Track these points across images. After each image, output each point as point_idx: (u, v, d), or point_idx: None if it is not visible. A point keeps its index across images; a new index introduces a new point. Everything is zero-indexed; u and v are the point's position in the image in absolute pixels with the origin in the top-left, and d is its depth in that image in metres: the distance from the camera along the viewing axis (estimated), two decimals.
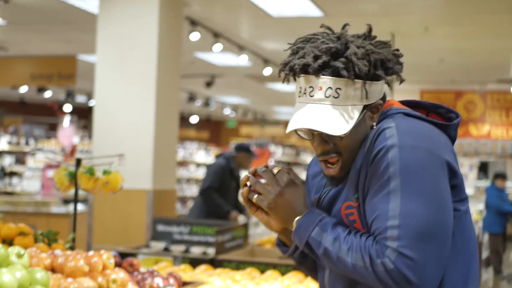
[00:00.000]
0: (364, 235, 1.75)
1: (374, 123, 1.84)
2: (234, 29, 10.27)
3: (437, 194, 1.71)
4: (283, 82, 1.91)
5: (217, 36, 10.04)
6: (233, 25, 10.12)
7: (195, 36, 9.41)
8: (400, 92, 15.88)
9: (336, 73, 1.77)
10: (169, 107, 7.32)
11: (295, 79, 1.86)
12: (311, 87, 1.79)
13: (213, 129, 26.07)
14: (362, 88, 1.79)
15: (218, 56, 12.27)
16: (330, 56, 1.78)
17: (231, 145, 7.76)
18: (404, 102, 1.93)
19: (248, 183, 1.88)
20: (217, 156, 8.11)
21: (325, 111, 1.77)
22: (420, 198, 1.69)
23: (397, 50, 1.88)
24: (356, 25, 2.00)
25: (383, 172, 1.72)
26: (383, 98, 1.87)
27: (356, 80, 1.77)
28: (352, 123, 1.78)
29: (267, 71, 12.39)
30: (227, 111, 21.37)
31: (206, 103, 18.67)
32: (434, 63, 12.41)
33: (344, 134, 1.77)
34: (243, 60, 11.37)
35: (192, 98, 17.60)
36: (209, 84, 14.50)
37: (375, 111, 1.84)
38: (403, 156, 1.71)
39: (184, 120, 22.03)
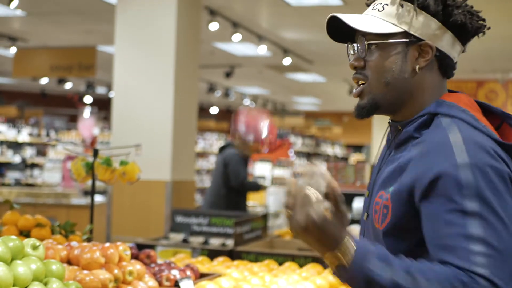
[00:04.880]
0: (433, 262, 1.54)
1: (417, 66, 1.73)
2: (253, 18, 10.22)
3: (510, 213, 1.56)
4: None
5: (236, 26, 10.00)
6: (252, 15, 10.07)
7: (214, 26, 9.38)
8: None
9: None
10: (188, 97, 7.29)
11: None
12: (367, 4, 1.83)
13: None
14: (409, 12, 1.72)
15: (238, 46, 12.23)
16: None
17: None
18: (477, 103, 1.79)
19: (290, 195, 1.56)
20: (226, 147, 8.08)
21: (362, 16, 1.76)
22: (500, 220, 1.53)
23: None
24: None
25: (456, 192, 1.54)
26: (441, 52, 1.75)
27: (405, 1, 1.72)
28: (383, 29, 1.72)
29: (287, 61, 12.32)
30: (246, 102, 21.34)
31: (226, 94, 18.64)
32: None
33: (379, 38, 1.72)
34: (262, 50, 11.31)
35: (211, 88, 17.58)
36: (228, 75, 14.46)
37: (423, 54, 1.73)
38: (477, 176, 1.55)
39: (204, 111, 22.03)
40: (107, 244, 2.82)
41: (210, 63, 14.01)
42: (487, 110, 1.78)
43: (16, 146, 16.73)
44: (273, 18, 10.44)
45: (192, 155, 7.50)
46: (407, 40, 1.72)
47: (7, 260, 2.15)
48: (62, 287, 2.29)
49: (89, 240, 3.37)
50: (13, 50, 11.90)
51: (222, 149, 8.10)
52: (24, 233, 3.19)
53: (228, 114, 25.29)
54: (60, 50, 11.73)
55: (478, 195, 1.53)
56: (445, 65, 1.77)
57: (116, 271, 2.69)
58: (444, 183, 1.56)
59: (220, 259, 4.08)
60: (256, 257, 4.38)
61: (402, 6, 1.72)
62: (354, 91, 1.79)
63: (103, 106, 20.84)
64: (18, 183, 16.02)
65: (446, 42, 1.75)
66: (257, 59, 13.89)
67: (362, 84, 1.76)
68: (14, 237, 2.27)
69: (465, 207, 1.53)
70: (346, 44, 1.82)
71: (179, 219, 5.49)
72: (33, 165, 16.95)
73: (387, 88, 1.73)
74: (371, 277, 1.52)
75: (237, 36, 10.11)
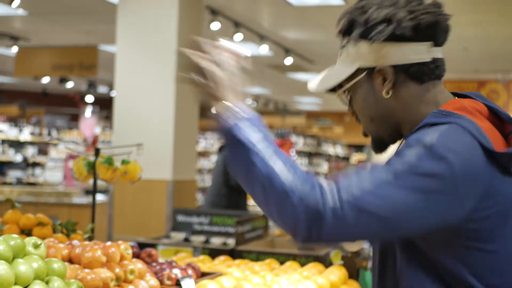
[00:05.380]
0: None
1: (385, 91, 1.70)
2: (255, 18, 10.23)
3: (425, 204, 1.51)
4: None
5: (237, 25, 10.01)
6: (253, 15, 10.08)
7: (215, 25, 9.39)
8: None
9: (341, 33, 1.77)
10: (189, 96, 7.30)
11: None
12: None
13: None
14: (358, 46, 1.70)
15: (239, 45, 12.23)
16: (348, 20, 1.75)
17: None
18: (488, 107, 1.72)
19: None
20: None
21: (326, 71, 1.80)
22: (407, 196, 1.50)
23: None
24: None
25: (402, 151, 1.56)
26: (402, 65, 1.69)
27: (351, 37, 1.72)
28: (335, 81, 1.74)
29: (288, 60, 12.33)
30: (248, 101, 21.32)
31: None
32: (457, 51, 12.29)
33: (323, 90, 1.77)
34: (264, 49, 11.32)
35: None
36: None
37: (385, 77, 1.70)
38: (424, 161, 1.52)
39: (205, 110, 22.02)
40: (109, 243, 2.83)
41: None
42: (498, 116, 1.72)
43: (17, 145, 16.76)
44: (275, 18, 10.45)
45: (194, 154, 7.51)
46: (364, 73, 1.71)
47: (9, 259, 2.15)
48: (64, 285, 2.30)
49: (90, 239, 3.37)
50: (14, 49, 11.92)
51: (222, 148, 8.15)
52: (26, 232, 3.19)
53: None
54: (61, 50, 11.75)
55: (410, 170, 1.51)
56: (415, 73, 1.71)
57: (117, 270, 2.69)
58: (403, 147, 1.58)
59: (221, 258, 4.09)
60: (257, 256, 4.39)
61: (352, 42, 1.71)
62: None
63: (104, 105, 20.85)
64: (19, 182, 16.06)
65: (403, 53, 1.68)
66: (259, 59, 13.90)
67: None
68: (15, 235, 2.27)
69: (392, 162, 1.54)
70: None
71: (180, 218, 5.50)
72: (35, 164, 16.99)
73: (374, 123, 1.75)
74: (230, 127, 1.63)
75: (238, 36, 10.12)
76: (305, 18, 9.94)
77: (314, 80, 1.83)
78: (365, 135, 1.82)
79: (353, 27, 1.71)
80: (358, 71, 1.72)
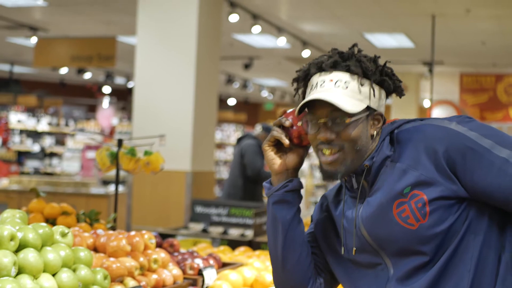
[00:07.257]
0: None
1: (374, 132, 1.97)
2: (273, 10, 10.23)
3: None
4: (295, 94, 2.07)
5: (256, 17, 10.02)
6: (272, 7, 10.08)
7: (234, 17, 9.40)
8: (440, 75, 15.70)
9: (347, 71, 1.94)
10: (208, 88, 7.34)
11: (306, 84, 2.02)
12: (322, 80, 1.95)
13: (250, 111, 26.08)
14: (368, 88, 1.94)
15: (257, 38, 12.25)
16: (342, 58, 1.97)
17: (256, 126, 8.09)
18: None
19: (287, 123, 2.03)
20: (243, 138, 8.16)
21: (335, 94, 1.92)
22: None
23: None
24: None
25: (468, 145, 1.85)
26: (384, 119, 2.02)
27: (363, 78, 1.94)
28: (358, 108, 1.91)
29: (306, 53, 12.33)
30: (264, 94, 21.35)
31: (244, 85, 18.67)
32: (475, 45, 12.25)
33: (353, 116, 1.90)
34: (281, 42, 11.33)
35: (230, 80, 17.61)
36: (247, 66, 14.49)
37: (376, 122, 1.98)
38: (469, 124, 1.89)
39: (221, 102, 22.08)
40: (133, 233, 2.87)
41: (229, 54, 14.04)
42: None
43: (35, 135, 16.86)
44: (293, 10, 10.45)
45: (212, 146, 7.55)
46: (369, 112, 1.96)
47: (38, 247, 2.20)
48: (90, 273, 2.34)
49: (113, 228, 3.41)
50: (34, 40, 11.99)
51: (239, 140, 8.18)
52: (50, 221, 3.24)
53: (245, 105, 25.31)
54: (80, 41, 11.80)
55: (480, 132, 1.88)
56: (384, 120, 2.03)
57: (141, 259, 2.74)
58: (455, 145, 1.88)
59: (242, 249, 4.12)
60: None
61: (362, 84, 1.94)
62: (327, 158, 1.95)
63: (121, 96, 20.95)
64: (37, 172, 16.16)
65: (384, 105, 2.02)
66: (276, 51, 13.90)
67: (336, 153, 1.95)
68: (43, 224, 2.32)
69: (483, 148, 1.87)
70: (305, 113, 1.99)
71: (199, 209, 5.53)
72: (52, 154, 17.08)
73: (358, 153, 1.96)
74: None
75: (256, 28, 10.13)
76: (324, 10, 9.94)
77: (324, 92, 1.93)
78: (332, 163, 1.95)
79: (368, 72, 1.95)
80: (365, 109, 1.95)
